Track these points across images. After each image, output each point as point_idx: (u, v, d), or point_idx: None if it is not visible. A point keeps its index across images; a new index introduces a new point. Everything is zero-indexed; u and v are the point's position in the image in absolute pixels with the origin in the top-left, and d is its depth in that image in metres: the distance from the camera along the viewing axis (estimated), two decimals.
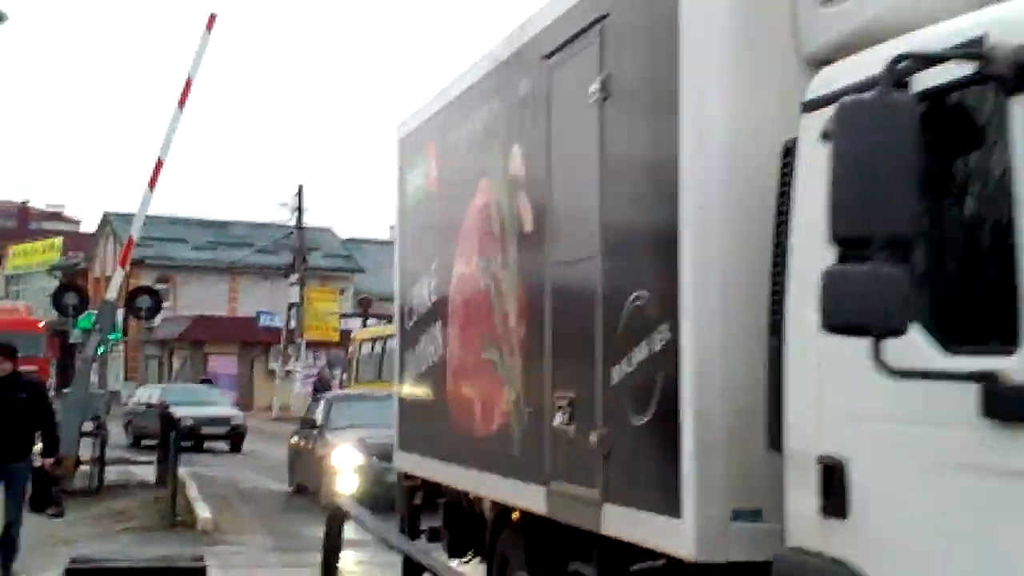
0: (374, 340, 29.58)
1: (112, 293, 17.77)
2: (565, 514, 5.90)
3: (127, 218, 55.73)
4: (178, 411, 25.89)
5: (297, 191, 46.61)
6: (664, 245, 4.83)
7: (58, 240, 71.29)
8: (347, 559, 10.87)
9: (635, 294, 5.13)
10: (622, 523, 5.23)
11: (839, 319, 3.30)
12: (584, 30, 5.73)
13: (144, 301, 18.75)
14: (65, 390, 19.64)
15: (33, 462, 10.93)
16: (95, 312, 21.94)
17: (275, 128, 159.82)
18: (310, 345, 47.21)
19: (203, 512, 14.52)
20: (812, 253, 3.90)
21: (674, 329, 4.74)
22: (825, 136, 3.75)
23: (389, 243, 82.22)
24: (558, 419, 5.93)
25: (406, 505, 9.53)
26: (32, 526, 14.16)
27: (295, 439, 19.01)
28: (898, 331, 3.22)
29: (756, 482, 4.45)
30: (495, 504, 7.39)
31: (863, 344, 3.29)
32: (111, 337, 18.73)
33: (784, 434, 4.18)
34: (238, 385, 51.23)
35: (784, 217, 4.29)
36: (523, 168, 6.65)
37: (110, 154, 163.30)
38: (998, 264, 3.33)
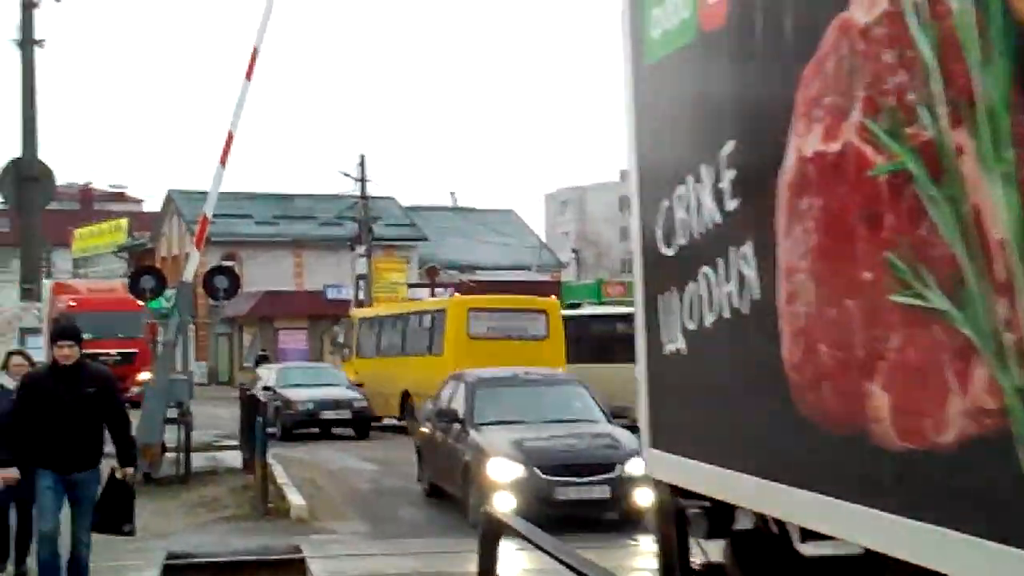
0: (371, 319, 29.99)
1: (189, 274, 17.36)
2: None
3: (190, 196, 55.98)
4: (295, 394, 24.85)
5: (360, 161, 46.22)
6: None
7: (124, 221, 71.56)
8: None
9: None
10: None
11: None
12: None
13: (221, 281, 18.34)
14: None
15: (103, 471, 9.13)
16: (169, 294, 21.61)
17: (328, 98, 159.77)
18: None
19: (296, 499, 14.09)
20: None
21: None
22: None
23: (451, 210, 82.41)
24: None
25: (670, 530, 5.90)
26: None
27: (427, 430, 15.39)
28: None
29: None
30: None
31: None
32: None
33: None
34: (309, 360, 51.10)
35: None
36: None
37: (170, 132, 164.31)
38: None
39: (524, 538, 5.26)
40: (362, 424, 25.13)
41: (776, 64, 4.41)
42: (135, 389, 33.47)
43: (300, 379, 26.34)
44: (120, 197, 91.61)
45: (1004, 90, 3.10)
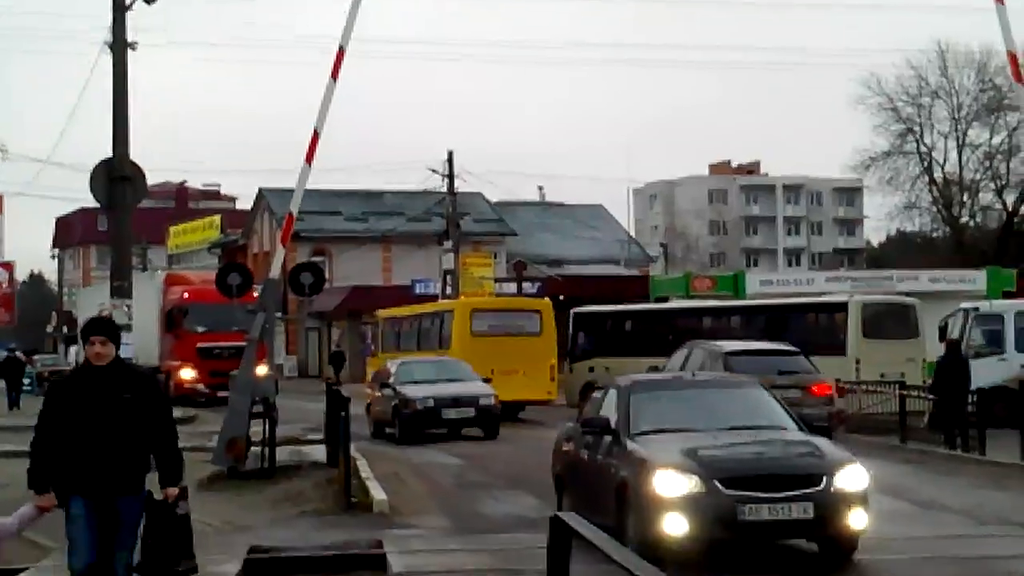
0: (393, 318, 33.97)
1: (275, 271, 17.55)
2: None
3: (281, 193, 56.72)
4: (413, 391, 22.61)
5: (448, 157, 46.34)
6: None
7: (217, 218, 72.81)
8: None
9: None
10: None
11: None
12: None
13: (307, 277, 18.46)
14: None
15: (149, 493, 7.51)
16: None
17: (417, 94, 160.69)
18: None
19: (378, 494, 14.15)
20: None
21: None
22: None
23: (539, 205, 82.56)
24: None
25: None
26: (207, 510, 14.07)
27: (568, 445, 12.55)
28: None
29: None
30: None
31: None
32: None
33: None
34: None
35: None
36: None
37: (261, 132, 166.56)
38: None
39: (594, 545, 5.13)
40: (490, 422, 22.80)
41: None
42: None
43: (420, 374, 23.75)
44: (214, 195, 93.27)
45: None
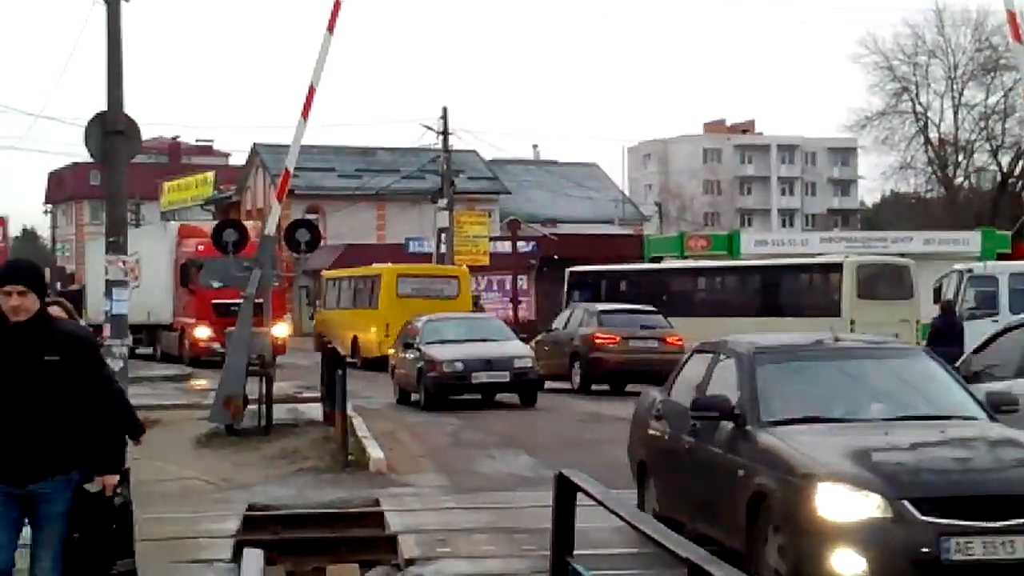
0: (334, 279, 37.09)
1: (271, 227, 17.49)
2: None
3: (275, 149, 56.50)
4: (440, 351, 20.26)
5: (442, 114, 46.10)
6: None
7: (210, 174, 72.56)
8: None
9: None
10: None
11: None
12: None
13: (303, 235, 18.39)
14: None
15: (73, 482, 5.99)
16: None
17: (411, 51, 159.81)
18: None
19: (375, 452, 14.19)
20: None
21: None
22: None
23: (533, 163, 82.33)
24: None
25: None
26: (205, 468, 14.13)
27: (657, 425, 9.80)
28: None
29: None
30: None
31: None
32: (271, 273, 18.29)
33: None
34: None
35: None
36: None
37: (255, 86, 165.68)
38: None
39: (597, 500, 5.16)
40: (527, 388, 20.60)
41: None
42: None
43: (451, 333, 21.47)
44: (207, 151, 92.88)
45: None
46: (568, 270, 32.46)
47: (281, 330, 31.65)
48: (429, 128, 46.02)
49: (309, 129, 17.47)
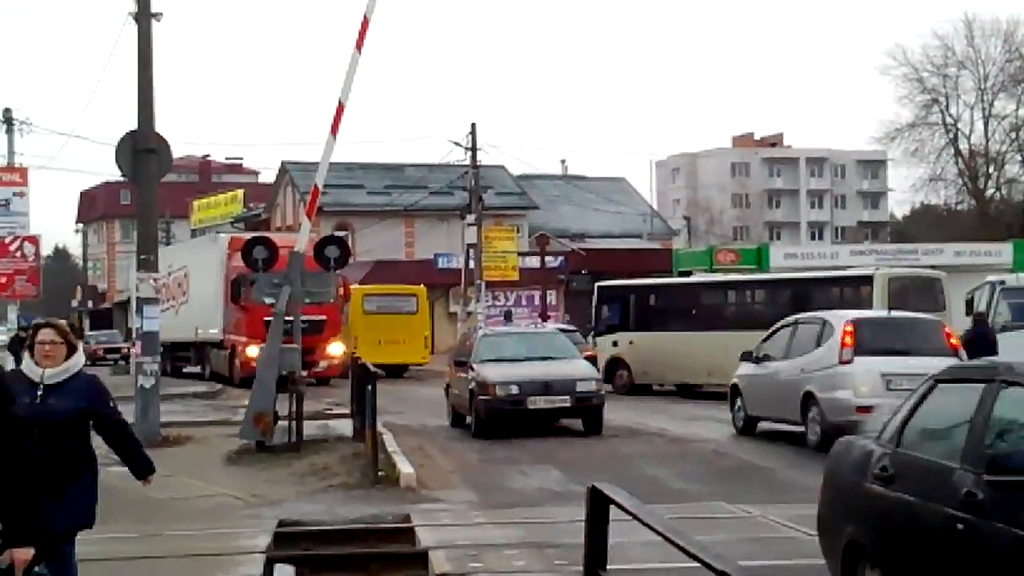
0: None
1: (301, 244, 17.53)
2: None
3: (304, 166, 56.72)
4: (495, 372, 18.38)
5: (470, 130, 46.17)
6: None
7: (240, 192, 72.88)
8: None
9: None
10: None
11: None
12: None
13: (332, 251, 18.40)
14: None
15: None
16: None
17: (439, 68, 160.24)
18: (489, 285, 47.02)
19: (405, 467, 14.16)
20: None
21: None
22: None
23: (561, 178, 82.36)
24: None
25: None
26: (236, 484, 14.15)
27: (882, 495, 6.65)
28: None
29: None
30: None
31: None
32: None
33: None
34: None
35: None
36: None
37: (284, 105, 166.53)
38: None
39: (630, 513, 5.09)
40: (591, 414, 18.43)
41: None
42: (323, 364, 31.17)
43: (509, 350, 19.39)
44: (237, 169, 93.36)
45: None
46: (597, 284, 32.37)
47: (337, 349, 31.51)
48: (457, 144, 46.15)
49: (338, 146, 17.55)
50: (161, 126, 19.22)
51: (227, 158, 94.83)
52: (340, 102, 17.01)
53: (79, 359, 6.68)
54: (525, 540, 10.61)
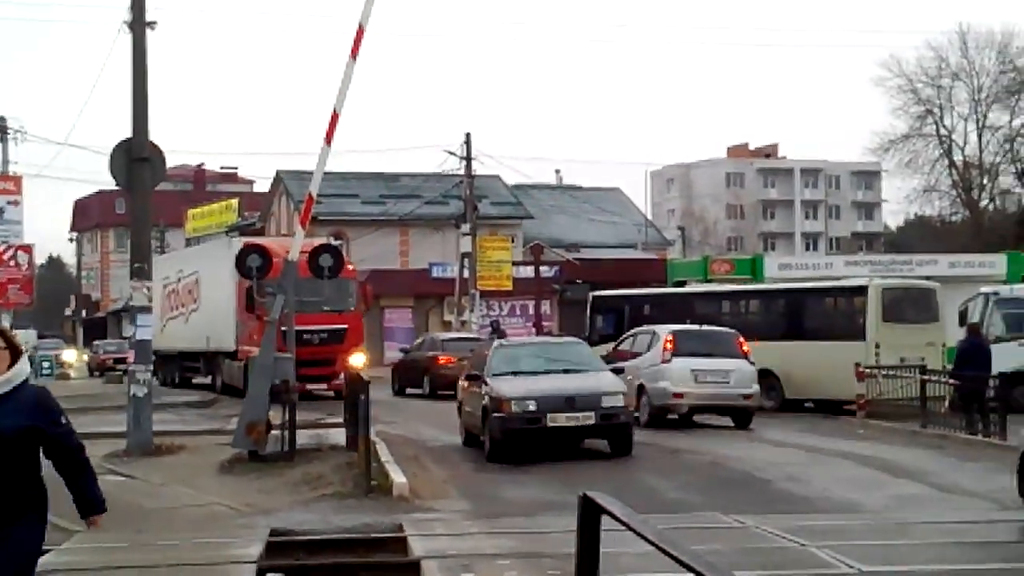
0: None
1: (294, 253, 17.51)
2: None
3: (298, 176, 56.68)
4: (510, 386, 16.79)
5: (465, 140, 46.21)
6: None
7: (234, 201, 72.87)
8: None
9: None
10: None
11: None
12: None
13: (326, 260, 18.41)
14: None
15: None
16: None
17: (434, 77, 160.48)
18: (484, 294, 47.00)
19: (398, 477, 14.13)
20: None
21: None
22: None
23: (556, 188, 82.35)
24: None
25: None
26: (228, 493, 14.12)
27: None
28: None
29: None
30: None
31: None
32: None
33: None
34: (414, 338, 51.54)
35: None
36: None
37: (279, 114, 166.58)
38: None
39: (622, 523, 5.05)
40: (618, 433, 16.78)
41: None
42: (343, 376, 30.10)
43: (526, 362, 17.86)
44: (232, 178, 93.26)
45: None
46: (591, 294, 32.39)
47: (358, 359, 30.37)
48: (452, 153, 46.18)
49: (332, 155, 17.55)
50: (155, 135, 19.21)
51: (222, 167, 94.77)
52: (335, 111, 17.01)
53: (23, 367, 5.59)
54: (518, 550, 10.56)
